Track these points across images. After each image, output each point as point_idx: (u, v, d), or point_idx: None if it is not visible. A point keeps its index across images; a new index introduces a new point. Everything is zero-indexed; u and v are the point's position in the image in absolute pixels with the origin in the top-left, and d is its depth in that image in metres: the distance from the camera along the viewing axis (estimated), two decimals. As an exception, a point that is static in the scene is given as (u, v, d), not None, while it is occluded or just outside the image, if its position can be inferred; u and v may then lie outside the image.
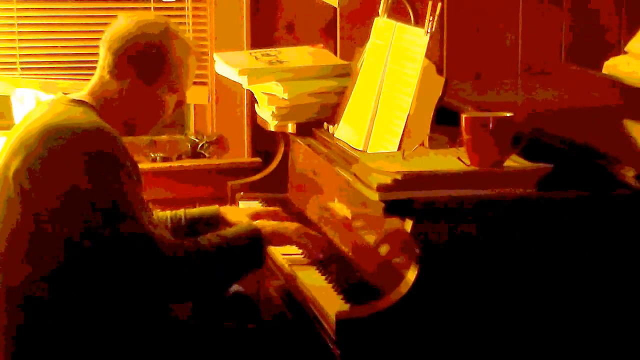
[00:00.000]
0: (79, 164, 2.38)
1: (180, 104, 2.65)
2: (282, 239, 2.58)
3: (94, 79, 2.58)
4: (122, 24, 2.56)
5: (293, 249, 2.68)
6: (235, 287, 2.88)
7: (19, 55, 3.64)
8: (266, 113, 3.10)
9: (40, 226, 2.38)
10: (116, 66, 2.54)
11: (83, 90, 2.59)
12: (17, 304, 2.42)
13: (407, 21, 2.84)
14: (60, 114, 2.47)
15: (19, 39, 3.63)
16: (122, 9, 3.66)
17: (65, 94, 2.59)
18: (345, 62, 3.12)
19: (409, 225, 2.13)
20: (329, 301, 2.33)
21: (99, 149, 2.39)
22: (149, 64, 2.54)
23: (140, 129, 2.64)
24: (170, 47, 2.55)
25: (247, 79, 3.06)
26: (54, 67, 3.67)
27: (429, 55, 2.59)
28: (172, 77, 2.57)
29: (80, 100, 2.53)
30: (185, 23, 3.72)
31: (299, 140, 3.04)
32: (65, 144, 2.39)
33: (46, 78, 3.66)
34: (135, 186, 2.45)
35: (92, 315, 2.41)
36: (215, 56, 3.25)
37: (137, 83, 2.54)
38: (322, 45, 3.37)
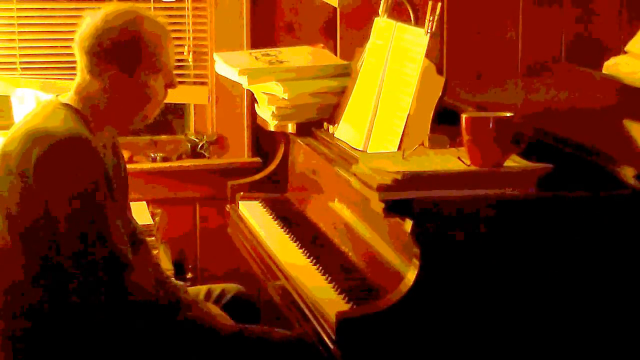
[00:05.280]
0: (52, 175, 2.39)
1: (170, 86, 2.60)
2: None
3: (77, 81, 2.56)
4: (90, 21, 2.54)
5: (296, 255, 2.69)
6: (236, 288, 2.88)
7: (19, 55, 3.64)
8: (266, 113, 3.10)
9: (19, 235, 2.41)
10: (94, 64, 2.51)
11: (70, 90, 2.57)
12: (8, 312, 2.45)
13: (407, 21, 2.84)
14: (43, 119, 2.47)
15: (19, 39, 3.63)
16: (122, 9, 3.67)
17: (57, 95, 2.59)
18: (345, 62, 3.12)
19: (409, 225, 2.13)
20: (329, 301, 2.33)
21: (72, 159, 2.40)
22: (125, 53, 2.50)
23: (138, 120, 2.60)
24: (142, 32, 2.51)
25: (247, 79, 3.06)
26: (54, 67, 3.66)
27: (429, 55, 2.59)
28: (152, 60, 2.53)
29: (66, 104, 2.52)
30: (185, 23, 3.72)
31: (299, 140, 3.04)
32: (41, 154, 2.39)
33: (46, 78, 3.66)
34: (108, 196, 2.45)
35: (80, 320, 2.43)
36: (215, 56, 3.25)
37: (119, 75, 2.50)
38: (322, 45, 3.37)
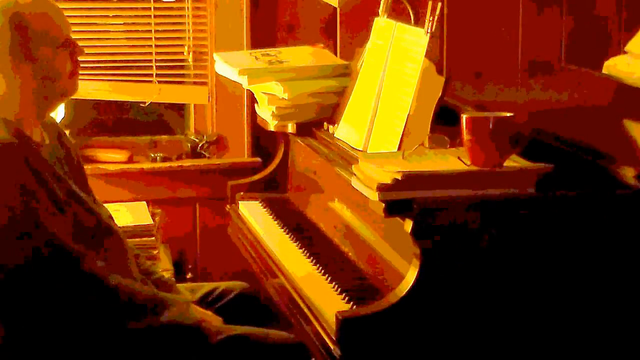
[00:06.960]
0: None
1: (75, 53, 2.57)
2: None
3: None
4: None
5: (296, 255, 2.69)
6: (241, 286, 2.86)
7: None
8: (266, 113, 3.10)
9: None
10: None
11: None
12: None
13: (407, 21, 2.84)
14: None
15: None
16: (122, 8, 3.67)
17: None
18: (345, 62, 3.12)
19: (409, 225, 2.13)
20: (329, 301, 2.33)
21: (8, 169, 2.40)
22: (16, 40, 2.49)
23: (57, 95, 2.58)
24: (23, 14, 2.49)
25: (247, 79, 3.06)
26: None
27: (429, 55, 2.59)
28: (44, 37, 2.51)
29: None
30: (185, 23, 3.73)
31: (299, 140, 3.04)
32: None
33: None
34: (42, 196, 2.43)
35: (50, 326, 2.43)
36: (215, 56, 3.26)
37: (19, 62, 2.50)
38: (322, 45, 3.37)
